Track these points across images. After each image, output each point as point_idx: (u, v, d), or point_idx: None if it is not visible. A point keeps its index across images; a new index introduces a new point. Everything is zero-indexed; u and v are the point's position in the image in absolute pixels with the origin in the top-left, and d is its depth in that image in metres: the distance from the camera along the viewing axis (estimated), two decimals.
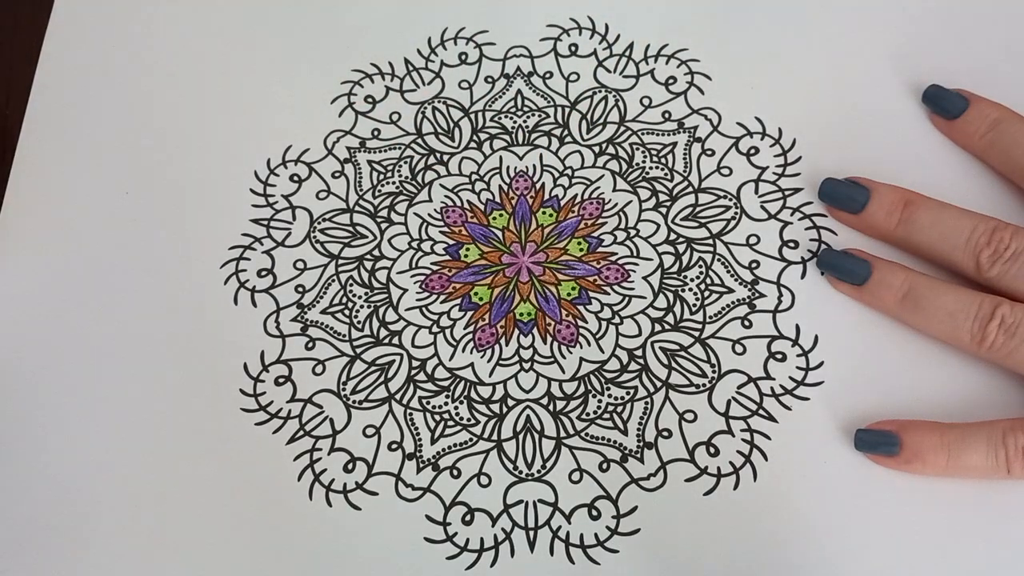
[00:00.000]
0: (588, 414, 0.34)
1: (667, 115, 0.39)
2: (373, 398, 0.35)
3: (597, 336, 0.35)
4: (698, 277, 0.36)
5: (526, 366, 0.35)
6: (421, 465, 0.34)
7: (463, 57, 0.42)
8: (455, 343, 0.36)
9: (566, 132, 0.39)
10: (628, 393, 0.34)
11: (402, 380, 0.35)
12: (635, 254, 0.36)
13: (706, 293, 0.35)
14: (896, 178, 0.35)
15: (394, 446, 0.34)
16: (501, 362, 0.35)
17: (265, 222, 0.39)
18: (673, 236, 0.37)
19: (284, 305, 0.37)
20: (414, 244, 0.38)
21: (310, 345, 0.36)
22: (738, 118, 0.38)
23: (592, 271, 0.36)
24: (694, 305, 0.35)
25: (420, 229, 0.38)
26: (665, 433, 0.33)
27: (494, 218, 0.38)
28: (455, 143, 0.40)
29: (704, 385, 0.34)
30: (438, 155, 0.39)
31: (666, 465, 0.33)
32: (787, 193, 0.37)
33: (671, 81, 0.40)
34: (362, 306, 0.37)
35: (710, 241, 0.36)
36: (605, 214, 0.37)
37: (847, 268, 0.34)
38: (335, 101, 0.41)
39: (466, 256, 0.37)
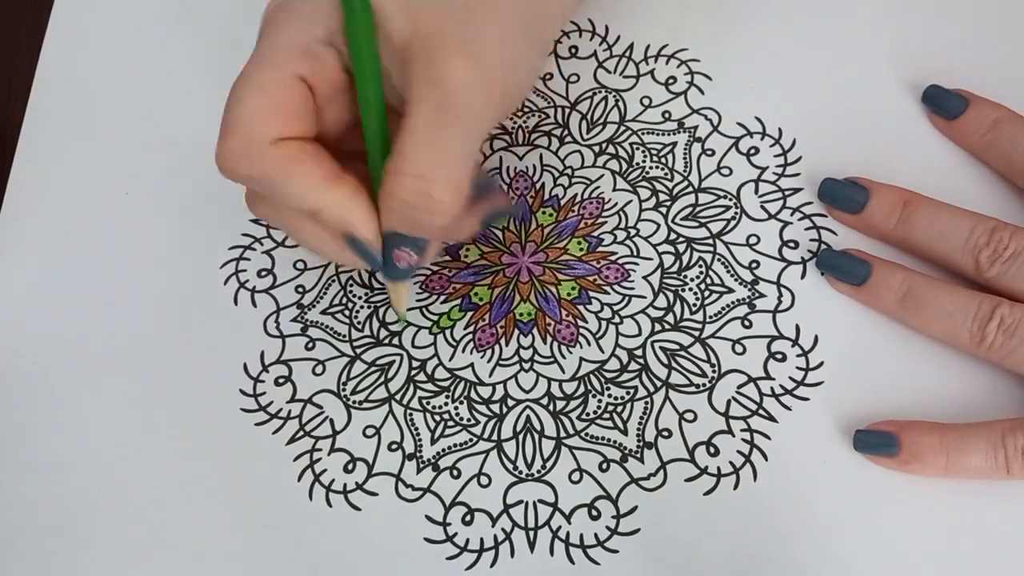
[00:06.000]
0: (588, 414, 0.34)
1: (667, 115, 0.39)
2: (373, 398, 0.35)
3: (597, 336, 0.35)
4: (698, 277, 0.36)
5: (526, 366, 0.35)
6: (421, 465, 0.34)
7: None
8: (455, 343, 0.36)
9: (566, 132, 0.39)
10: (628, 393, 0.34)
11: (402, 380, 0.35)
12: (635, 254, 0.36)
13: (706, 293, 0.35)
14: (896, 178, 0.35)
15: (394, 446, 0.34)
16: (501, 362, 0.35)
17: (265, 222, 0.39)
18: (673, 236, 0.37)
19: (284, 305, 0.37)
20: None
21: (310, 345, 0.36)
22: (738, 118, 0.38)
23: (592, 271, 0.36)
24: (694, 305, 0.35)
25: None
26: (665, 433, 0.33)
27: None
28: None
29: (704, 385, 0.34)
30: None
31: (666, 465, 0.33)
32: (787, 193, 0.37)
33: (671, 81, 0.40)
34: (362, 306, 0.37)
35: (710, 241, 0.36)
36: (605, 214, 0.37)
37: (847, 268, 0.34)
38: None
39: (466, 256, 0.37)
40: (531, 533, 0.32)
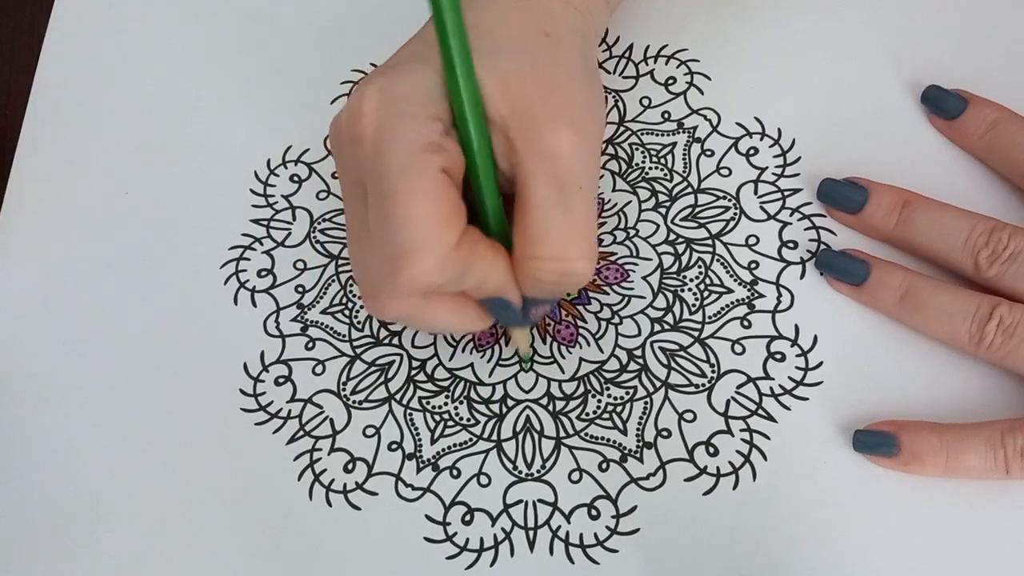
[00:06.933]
0: (588, 414, 0.34)
1: (667, 115, 0.39)
2: (373, 398, 0.35)
3: (596, 336, 0.35)
4: (697, 277, 0.36)
5: (526, 366, 0.35)
6: (421, 465, 0.34)
7: None
8: (455, 343, 0.36)
9: None
10: (627, 393, 0.34)
11: (402, 380, 0.35)
12: (634, 254, 0.36)
13: (705, 293, 0.35)
14: (895, 178, 0.35)
15: (394, 446, 0.34)
16: (501, 362, 0.35)
17: (265, 222, 0.39)
18: (672, 236, 0.37)
19: (284, 305, 0.37)
20: None
21: (310, 345, 0.36)
22: (737, 118, 0.38)
23: None
24: (693, 305, 0.35)
25: None
26: (664, 433, 0.33)
27: None
28: None
29: (703, 385, 0.34)
30: None
31: (665, 465, 0.33)
32: (786, 193, 0.37)
33: (671, 81, 0.40)
34: (362, 306, 0.37)
35: (709, 241, 0.36)
36: (604, 214, 0.37)
37: (846, 268, 0.34)
38: (335, 101, 0.41)
39: None
40: (531, 533, 0.32)
